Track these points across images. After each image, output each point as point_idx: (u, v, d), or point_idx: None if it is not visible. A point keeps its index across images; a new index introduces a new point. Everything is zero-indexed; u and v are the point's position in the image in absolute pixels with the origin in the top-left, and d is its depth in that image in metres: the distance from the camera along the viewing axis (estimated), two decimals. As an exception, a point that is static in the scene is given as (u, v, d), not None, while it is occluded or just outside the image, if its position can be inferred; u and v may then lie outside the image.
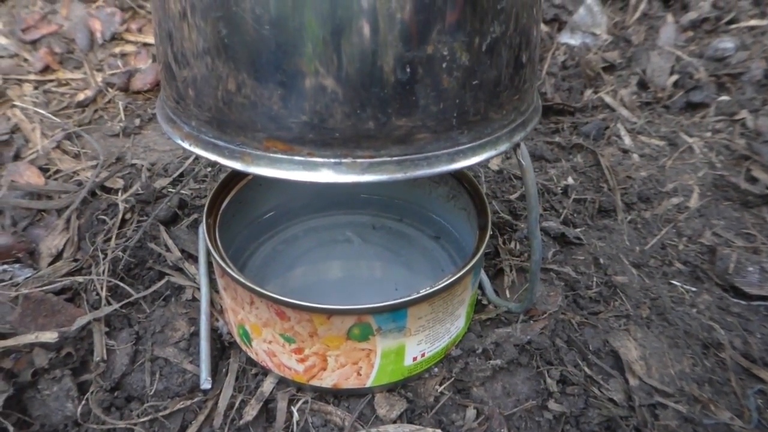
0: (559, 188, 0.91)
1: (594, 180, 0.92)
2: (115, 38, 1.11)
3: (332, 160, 0.46)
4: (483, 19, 0.44)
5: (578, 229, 0.84)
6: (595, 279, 0.77)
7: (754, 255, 0.80)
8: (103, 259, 0.73)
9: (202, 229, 0.64)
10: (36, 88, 0.95)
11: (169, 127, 0.53)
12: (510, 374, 0.64)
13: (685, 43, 1.21)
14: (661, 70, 1.12)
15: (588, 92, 1.15)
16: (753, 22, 1.18)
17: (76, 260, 0.72)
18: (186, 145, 0.51)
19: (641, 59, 1.17)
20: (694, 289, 0.77)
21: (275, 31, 0.42)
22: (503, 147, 0.51)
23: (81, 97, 0.97)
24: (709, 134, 1.02)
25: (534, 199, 0.57)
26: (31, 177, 0.78)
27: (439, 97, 0.45)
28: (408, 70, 0.43)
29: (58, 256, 0.73)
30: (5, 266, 0.70)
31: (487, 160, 0.51)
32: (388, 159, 0.47)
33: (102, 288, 0.70)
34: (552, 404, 0.61)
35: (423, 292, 0.56)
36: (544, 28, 1.29)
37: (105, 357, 0.65)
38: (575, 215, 0.87)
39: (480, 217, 0.68)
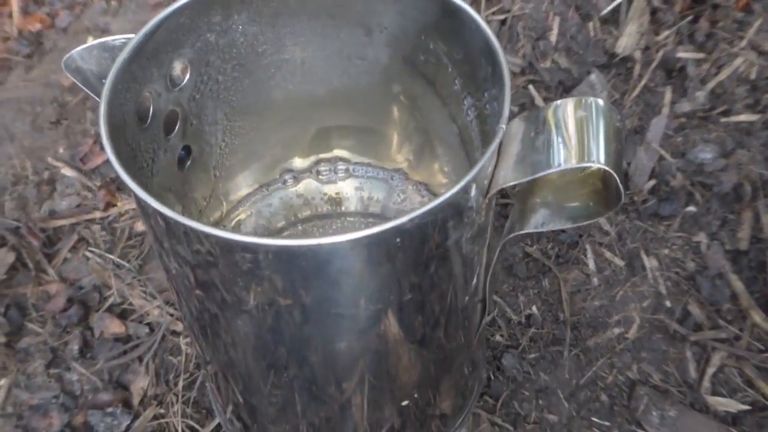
0: (524, 317, 1.16)
1: (553, 309, 1.17)
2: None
3: None
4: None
5: (531, 358, 1.11)
6: (534, 414, 1.06)
7: (662, 397, 1.06)
8: (178, 399, 1.06)
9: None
10: (103, 228, 1.18)
11: None
12: None
13: (674, 133, 1.31)
14: (642, 170, 1.26)
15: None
16: (743, 117, 1.27)
17: (159, 403, 1.05)
18: None
19: (628, 152, 1.29)
20: (607, 423, 1.05)
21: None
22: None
23: (141, 227, 1.20)
24: (666, 251, 1.21)
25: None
26: (114, 327, 1.08)
27: None
28: None
29: (143, 399, 1.06)
30: (111, 409, 1.04)
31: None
32: None
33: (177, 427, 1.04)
34: None
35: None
36: (543, 94, 1.39)
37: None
38: (531, 345, 1.13)
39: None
